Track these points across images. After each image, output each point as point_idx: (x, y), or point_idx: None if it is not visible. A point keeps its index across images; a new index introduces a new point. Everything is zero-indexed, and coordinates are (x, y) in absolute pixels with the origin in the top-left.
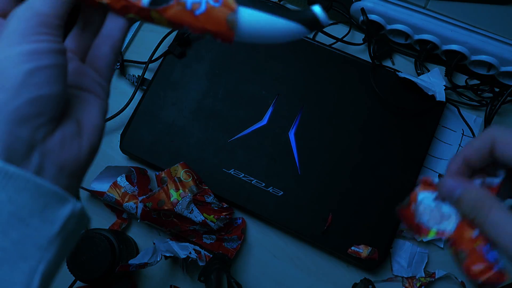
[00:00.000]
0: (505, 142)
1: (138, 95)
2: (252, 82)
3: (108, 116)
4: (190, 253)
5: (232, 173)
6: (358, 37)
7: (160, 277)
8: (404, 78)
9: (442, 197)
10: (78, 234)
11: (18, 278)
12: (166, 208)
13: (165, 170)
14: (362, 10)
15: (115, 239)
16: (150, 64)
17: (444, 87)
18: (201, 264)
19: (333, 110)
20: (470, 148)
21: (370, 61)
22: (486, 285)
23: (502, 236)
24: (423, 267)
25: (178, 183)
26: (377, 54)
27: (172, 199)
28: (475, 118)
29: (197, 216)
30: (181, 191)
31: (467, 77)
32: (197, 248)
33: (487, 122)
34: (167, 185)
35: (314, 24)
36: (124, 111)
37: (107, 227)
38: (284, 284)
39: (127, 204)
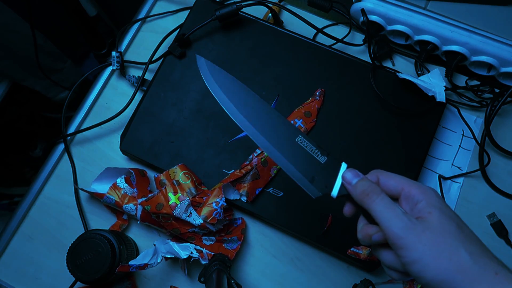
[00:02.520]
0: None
1: (138, 96)
2: (252, 82)
3: (109, 116)
4: (191, 252)
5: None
6: (358, 38)
7: (160, 278)
8: (404, 79)
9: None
10: None
11: None
12: (164, 211)
13: (163, 172)
14: (362, 10)
15: (115, 239)
16: (150, 65)
17: (444, 88)
18: (203, 262)
19: (333, 111)
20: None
21: (370, 62)
22: None
23: (382, 219)
24: None
25: (176, 186)
26: (377, 55)
27: (170, 202)
28: (475, 119)
29: (195, 219)
30: (179, 194)
31: (467, 78)
32: (198, 247)
33: (487, 123)
34: (165, 188)
35: None
36: (124, 112)
37: (107, 228)
38: (284, 285)
39: (127, 206)
